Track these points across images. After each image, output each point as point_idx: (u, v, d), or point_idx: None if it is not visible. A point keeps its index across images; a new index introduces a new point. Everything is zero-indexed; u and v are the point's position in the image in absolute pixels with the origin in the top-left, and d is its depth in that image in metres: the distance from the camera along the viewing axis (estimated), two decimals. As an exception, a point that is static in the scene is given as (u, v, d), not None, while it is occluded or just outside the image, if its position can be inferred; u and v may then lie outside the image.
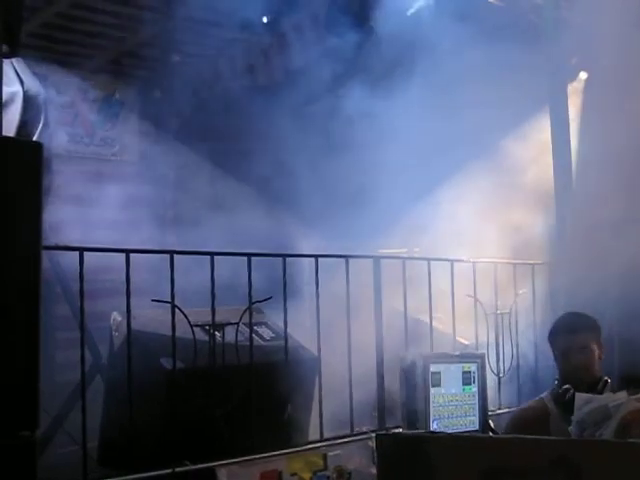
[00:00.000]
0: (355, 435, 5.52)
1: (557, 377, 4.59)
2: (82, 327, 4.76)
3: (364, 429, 5.60)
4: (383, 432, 3.40)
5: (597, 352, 4.37)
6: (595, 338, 4.37)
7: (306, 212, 9.51)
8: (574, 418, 3.37)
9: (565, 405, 4.27)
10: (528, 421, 4.51)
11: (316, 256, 5.79)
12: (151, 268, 6.17)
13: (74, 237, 7.66)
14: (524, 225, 8.27)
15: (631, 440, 2.85)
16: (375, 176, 8.45)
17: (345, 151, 8.52)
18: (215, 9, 9.04)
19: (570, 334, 4.38)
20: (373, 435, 5.17)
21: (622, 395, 3.38)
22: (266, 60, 9.93)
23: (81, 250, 4.65)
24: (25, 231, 3.57)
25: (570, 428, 4.17)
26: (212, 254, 5.16)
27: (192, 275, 5.41)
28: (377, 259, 6.14)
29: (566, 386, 4.36)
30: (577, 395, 3.45)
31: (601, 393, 4.05)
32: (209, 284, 5.15)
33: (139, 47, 10.25)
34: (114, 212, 9.85)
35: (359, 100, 8.24)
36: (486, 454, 2.64)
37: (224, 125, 10.71)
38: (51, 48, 9.72)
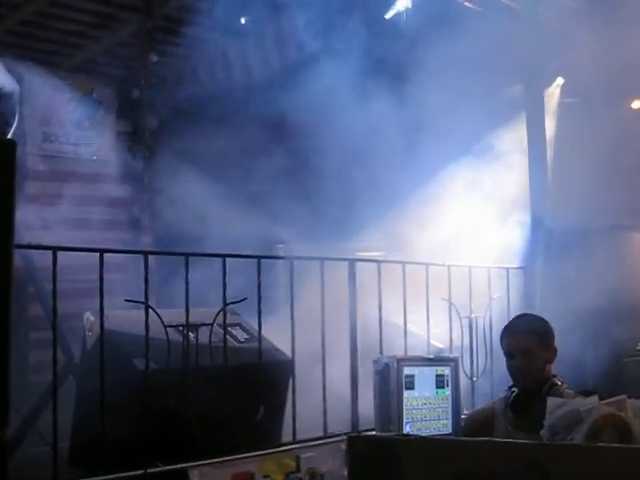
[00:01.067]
0: (328, 437, 5.52)
1: None
2: (55, 327, 4.73)
3: (337, 431, 5.60)
4: (355, 434, 3.39)
5: (542, 355, 4.33)
6: (540, 341, 4.34)
7: (285, 214, 9.52)
8: (545, 422, 3.36)
9: (511, 407, 4.30)
10: (475, 423, 4.53)
11: (291, 258, 5.79)
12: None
13: (48, 236, 7.63)
14: (500, 230, 8.32)
15: (601, 444, 2.86)
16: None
17: (321, 152, 8.52)
18: (193, 9, 9.04)
19: (512, 336, 4.38)
20: (346, 437, 5.17)
21: (593, 400, 3.39)
22: (244, 60, 9.91)
23: (54, 249, 4.62)
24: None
25: (510, 428, 4.24)
26: (186, 254, 5.15)
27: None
28: (352, 262, 6.14)
29: (512, 388, 4.39)
30: (549, 399, 3.45)
31: (547, 395, 4.07)
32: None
33: (117, 46, 10.22)
34: (89, 212, 9.81)
35: (338, 102, 8.25)
36: (457, 457, 2.64)
37: (202, 126, 10.69)
38: (28, 46, 9.67)
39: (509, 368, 4.36)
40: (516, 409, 4.26)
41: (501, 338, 4.44)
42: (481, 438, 2.98)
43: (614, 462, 2.58)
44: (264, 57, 9.67)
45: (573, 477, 2.55)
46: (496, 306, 7.11)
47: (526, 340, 4.29)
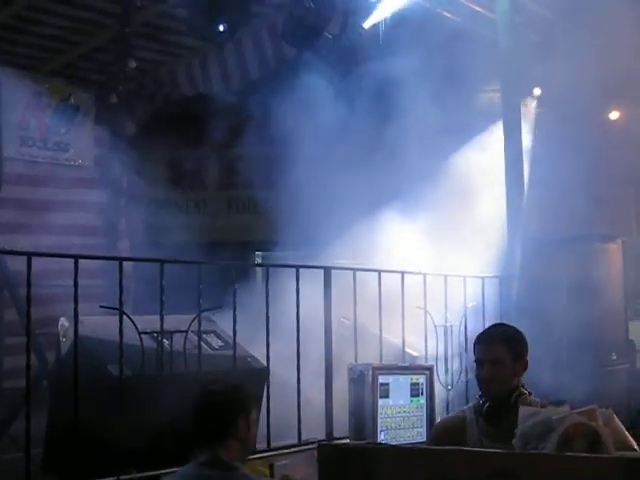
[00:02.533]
0: (302, 445, 5.52)
1: None
2: (28, 332, 4.71)
3: (311, 439, 5.60)
4: (325, 442, 3.39)
5: (511, 366, 4.30)
6: (511, 352, 4.32)
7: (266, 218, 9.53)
8: (517, 431, 3.38)
9: (484, 416, 4.27)
10: (447, 430, 4.42)
11: (267, 265, 5.80)
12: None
13: (24, 241, 7.60)
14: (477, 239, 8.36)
15: (571, 453, 2.88)
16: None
17: (299, 160, 8.54)
18: (172, 16, 9.04)
19: (483, 344, 4.33)
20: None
21: (565, 409, 3.41)
22: (222, 67, 9.92)
23: (29, 255, 4.60)
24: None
25: (483, 437, 4.24)
26: (162, 261, 5.14)
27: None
28: (328, 269, 6.15)
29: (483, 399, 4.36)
30: (521, 408, 3.46)
31: (515, 405, 4.06)
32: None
33: (95, 51, 10.20)
34: (66, 217, 9.77)
35: (312, 106, 8.28)
36: (428, 465, 2.65)
37: (179, 131, 10.70)
38: (6, 50, 9.63)
39: (477, 376, 4.33)
40: (488, 418, 4.25)
41: (474, 345, 4.40)
42: (452, 447, 2.99)
43: (584, 471, 2.60)
44: (242, 64, 9.68)
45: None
46: (471, 315, 7.13)
47: (497, 349, 4.26)
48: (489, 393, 4.26)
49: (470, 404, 4.44)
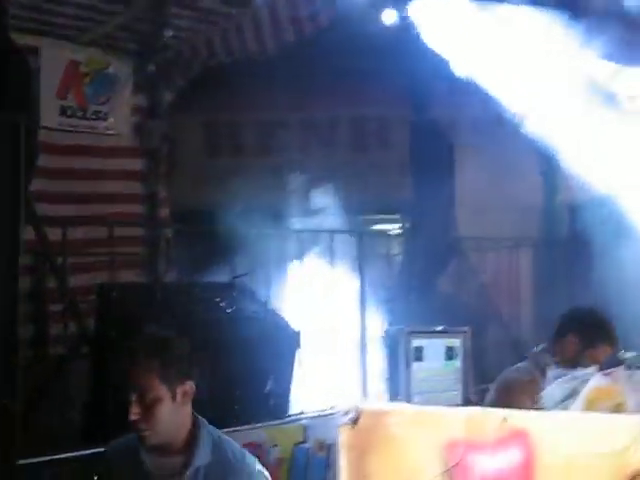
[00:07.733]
0: (333, 409, 5.57)
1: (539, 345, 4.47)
2: (66, 300, 4.82)
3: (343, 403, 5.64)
4: (350, 406, 3.42)
5: None
6: None
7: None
8: (543, 393, 3.42)
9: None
10: (522, 382, 4.24)
11: (298, 231, 5.83)
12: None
13: (64, 210, 7.70)
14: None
15: (590, 413, 2.91)
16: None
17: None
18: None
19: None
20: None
21: (591, 371, 3.44)
22: (258, 33, 9.91)
23: (65, 224, 4.68)
24: (4, 204, 3.61)
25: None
26: (199, 229, 5.20)
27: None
28: (361, 235, 6.18)
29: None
30: (548, 370, 3.50)
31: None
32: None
33: (133, 21, 10.23)
34: (106, 185, 9.86)
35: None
36: (447, 427, 2.69)
37: (218, 99, 10.74)
38: (45, 21, 9.69)
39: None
40: None
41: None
42: (469, 408, 3.04)
43: (602, 430, 2.61)
44: (277, 29, 9.67)
45: (560, 445, 2.58)
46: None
47: None
48: None
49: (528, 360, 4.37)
